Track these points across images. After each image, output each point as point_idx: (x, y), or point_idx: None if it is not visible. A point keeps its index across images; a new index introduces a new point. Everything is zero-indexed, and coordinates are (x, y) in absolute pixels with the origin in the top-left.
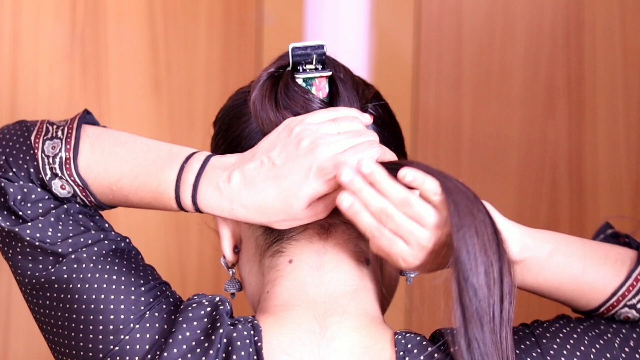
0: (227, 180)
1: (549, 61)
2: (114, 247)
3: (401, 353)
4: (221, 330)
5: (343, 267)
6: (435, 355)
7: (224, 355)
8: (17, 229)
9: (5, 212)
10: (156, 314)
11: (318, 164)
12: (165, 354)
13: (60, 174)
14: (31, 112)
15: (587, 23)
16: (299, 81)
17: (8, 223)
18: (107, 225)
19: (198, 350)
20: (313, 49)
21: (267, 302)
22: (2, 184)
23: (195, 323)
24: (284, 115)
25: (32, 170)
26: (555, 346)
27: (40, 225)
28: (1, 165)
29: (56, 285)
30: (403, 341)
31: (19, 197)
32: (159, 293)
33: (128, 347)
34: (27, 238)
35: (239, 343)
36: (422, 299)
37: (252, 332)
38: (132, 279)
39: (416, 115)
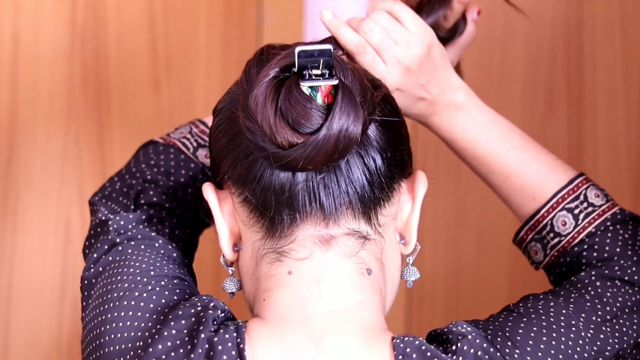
0: None
1: (549, 61)
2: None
3: (400, 357)
4: (202, 335)
5: (344, 281)
6: (435, 359)
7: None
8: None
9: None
10: (166, 292)
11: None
12: (151, 349)
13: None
14: (31, 112)
15: (587, 23)
16: (304, 89)
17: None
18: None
19: (181, 350)
20: (320, 53)
21: (263, 311)
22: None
23: (183, 322)
24: (280, 123)
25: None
26: (544, 323)
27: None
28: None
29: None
30: (402, 345)
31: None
32: (186, 282)
33: (142, 304)
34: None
35: (220, 347)
36: (421, 300)
37: (235, 334)
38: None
39: None
